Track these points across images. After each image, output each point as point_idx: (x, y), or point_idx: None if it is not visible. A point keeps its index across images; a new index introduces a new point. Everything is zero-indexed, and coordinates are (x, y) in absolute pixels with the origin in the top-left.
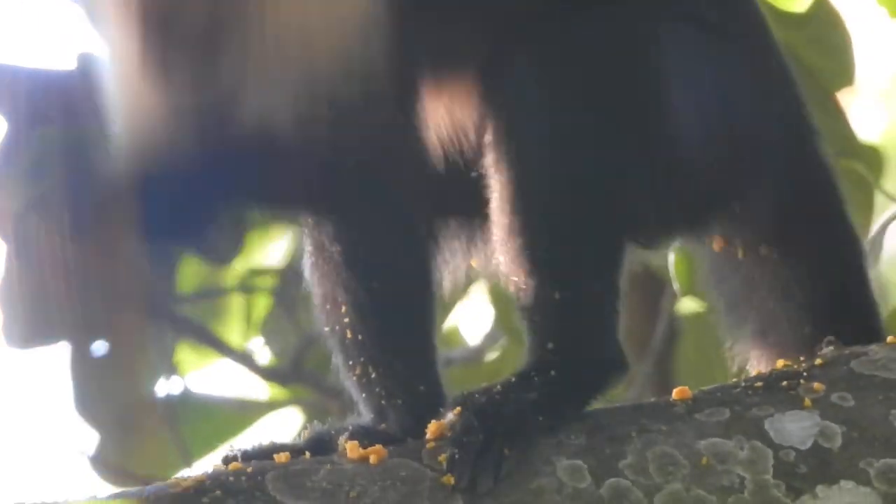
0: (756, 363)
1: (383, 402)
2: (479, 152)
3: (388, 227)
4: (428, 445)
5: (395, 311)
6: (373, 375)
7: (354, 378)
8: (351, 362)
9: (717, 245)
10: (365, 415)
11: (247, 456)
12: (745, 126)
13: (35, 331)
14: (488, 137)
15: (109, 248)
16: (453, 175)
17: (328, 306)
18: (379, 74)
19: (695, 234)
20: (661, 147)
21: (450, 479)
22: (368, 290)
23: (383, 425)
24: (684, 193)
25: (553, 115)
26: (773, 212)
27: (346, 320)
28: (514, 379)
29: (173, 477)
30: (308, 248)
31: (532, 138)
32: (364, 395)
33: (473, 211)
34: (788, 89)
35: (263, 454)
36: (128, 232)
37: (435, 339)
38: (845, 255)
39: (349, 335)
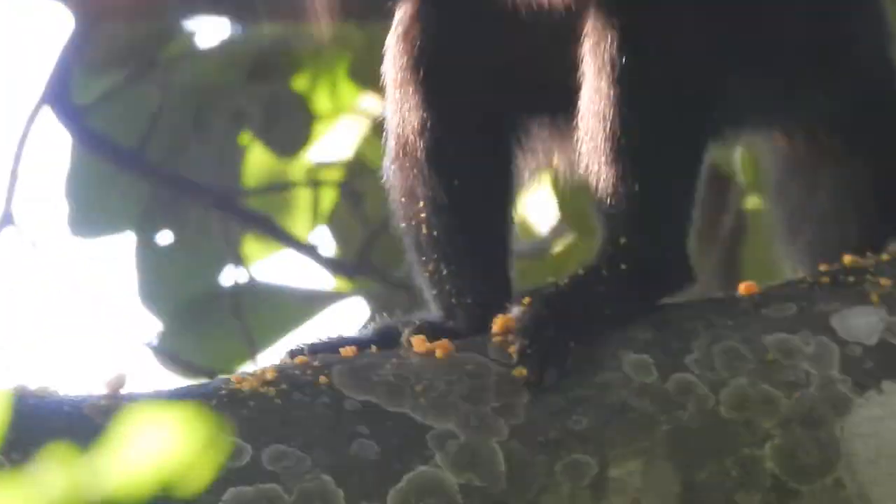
0: (814, 261)
1: (453, 300)
2: (568, 40)
3: (476, 125)
4: (494, 339)
5: (475, 210)
6: (444, 273)
7: (427, 274)
8: (424, 258)
9: (781, 139)
10: (433, 311)
11: (314, 349)
12: (833, 14)
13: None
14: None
15: None
16: (539, 66)
17: (405, 201)
18: None
19: (773, 123)
20: (746, 25)
21: (521, 371)
22: (449, 187)
23: (451, 322)
24: (770, 70)
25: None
26: (846, 108)
27: (423, 216)
28: (582, 272)
29: (238, 370)
30: (390, 141)
31: (622, 30)
32: (435, 291)
33: (558, 104)
34: None
35: (330, 347)
36: None
37: (510, 242)
38: None
39: (425, 231)
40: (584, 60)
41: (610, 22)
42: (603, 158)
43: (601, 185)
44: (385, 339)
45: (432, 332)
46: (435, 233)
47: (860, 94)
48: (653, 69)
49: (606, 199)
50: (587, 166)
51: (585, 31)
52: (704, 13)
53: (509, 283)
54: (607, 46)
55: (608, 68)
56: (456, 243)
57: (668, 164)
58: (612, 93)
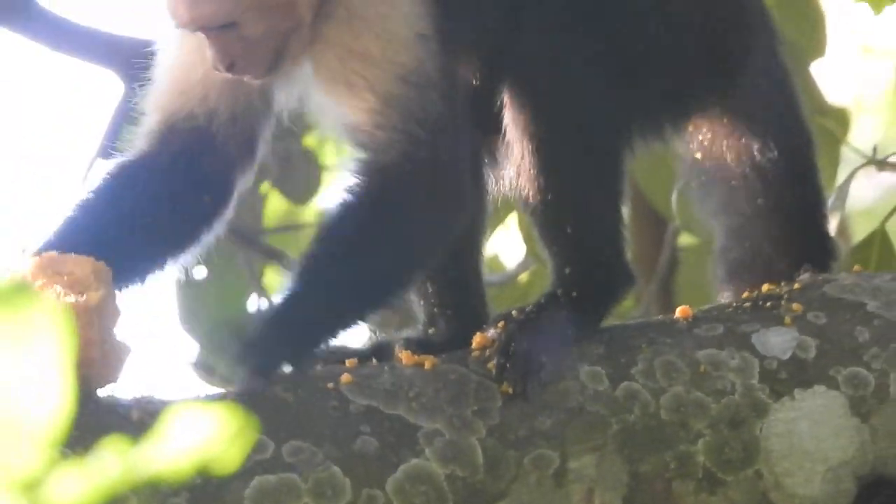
0: (733, 283)
1: (436, 310)
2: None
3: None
4: (473, 354)
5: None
6: (430, 289)
7: (416, 290)
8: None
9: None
10: (420, 322)
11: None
12: (727, 29)
13: None
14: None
15: None
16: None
17: None
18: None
19: (680, 127)
20: (649, 46)
21: (507, 389)
22: None
23: (432, 330)
24: (672, 83)
25: (552, 50)
26: (753, 142)
27: None
28: (543, 300)
29: None
30: None
31: (536, 73)
32: (421, 302)
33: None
34: (774, 51)
35: (336, 357)
36: None
37: (482, 262)
38: (809, 194)
39: None
40: (509, 128)
41: (522, 95)
42: (540, 208)
43: (541, 228)
44: (380, 352)
45: (417, 346)
46: None
47: (761, 123)
48: (569, 133)
49: (547, 239)
50: (530, 212)
51: (504, 100)
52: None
53: (483, 296)
54: (524, 117)
55: (528, 137)
56: (440, 266)
57: (595, 211)
58: (536, 156)
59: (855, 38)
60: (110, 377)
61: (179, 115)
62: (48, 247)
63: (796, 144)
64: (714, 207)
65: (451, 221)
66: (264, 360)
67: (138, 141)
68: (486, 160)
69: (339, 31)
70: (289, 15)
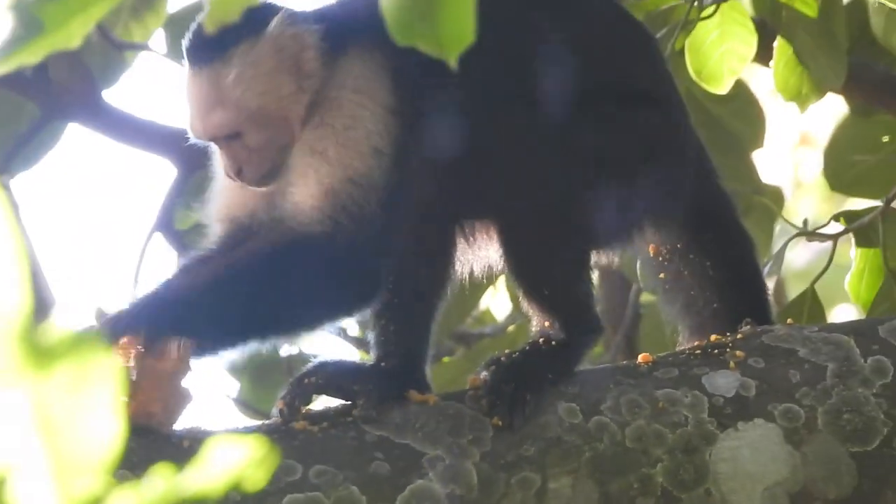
0: (690, 336)
1: (391, 347)
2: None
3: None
4: (469, 393)
5: (423, 291)
6: (389, 329)
7: (378, 327)
8: (379, 318)
9: (651, 250)
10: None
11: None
12: (670, 166)
13: None
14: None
15: None
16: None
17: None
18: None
19: (634, 241)
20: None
21: (497, 422)
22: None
23: (383, 364)
24: (625, 212)
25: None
26: (689, 225)
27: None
28: (528, 347)
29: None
30: None
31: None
32: (381, 339)
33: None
34: (695, 139)
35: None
36: None
37: (437, 318)
38: (745, 257)
39: (385, 301)
40: (485, 212)
41: (488, 183)
42: (520, 277)
43: (523, 291)
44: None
45: (420, 388)
46: (395, 300)
47: (697, 215)
48: (535, 218)
49: (528, 299)
50: (513, 279)
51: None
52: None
53: (428, 343)
54: (494, 204)
55: (500, 222)
56: (404, 311)
57: (562, 275)
58: (509, 238)
59: (794, 128)
60: (170, 422)
61: (230, 219)
62: (134, 314)
63: (740, 252)
64: (677, 311)
65: (345, 296)
66: None
67: (206, 243)
68: (467, 238)
69: (310, 134)
70: (283, 127)
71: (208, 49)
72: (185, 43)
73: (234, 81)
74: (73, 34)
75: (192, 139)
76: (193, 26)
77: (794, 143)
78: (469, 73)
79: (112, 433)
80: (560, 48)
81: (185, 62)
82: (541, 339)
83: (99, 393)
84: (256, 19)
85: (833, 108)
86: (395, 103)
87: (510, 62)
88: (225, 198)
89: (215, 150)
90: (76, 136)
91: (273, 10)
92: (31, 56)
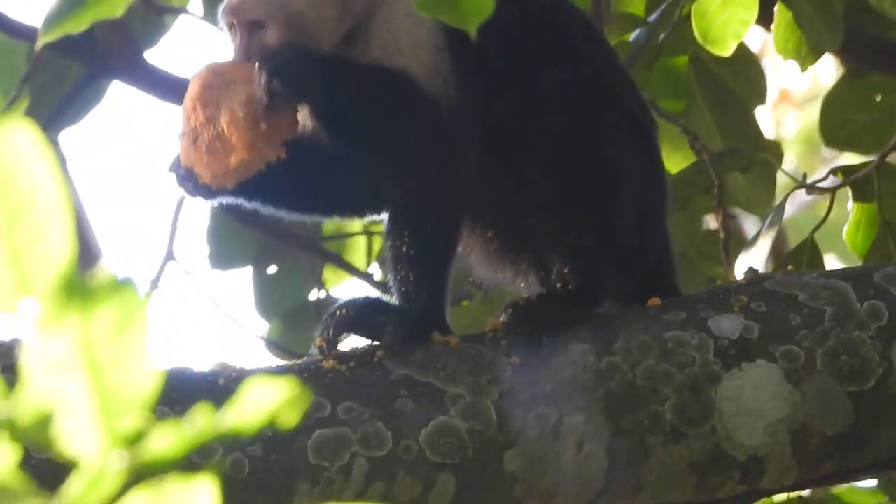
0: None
1: (413, 294)
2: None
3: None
4: (488, 335)
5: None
6: (411, 276)
7: (399, 275)
8: (399, 267)
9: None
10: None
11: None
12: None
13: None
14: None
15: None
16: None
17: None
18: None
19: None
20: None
21: (514, 360)
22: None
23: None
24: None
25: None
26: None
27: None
28: (545, 291)
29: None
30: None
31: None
32: (402, 286)
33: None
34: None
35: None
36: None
37: (451, 271)
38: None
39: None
40: None
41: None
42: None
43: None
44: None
45: (441, 330)
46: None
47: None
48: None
49: (553, 250)
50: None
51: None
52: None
53: (444, 296)
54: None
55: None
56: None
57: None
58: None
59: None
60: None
61: None
62: None
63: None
64: None
65: (440, 154)
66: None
67: None
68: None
69: (375, 33)
70: (309, 40)
71: None
72: None
73: None
74: (116, 4)
75: (220, 23)
76: None
77: (775, 101)
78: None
79: (151, 373)
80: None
81: None
82: (557, 284)
83: (138, 335)
84: None
85: (812, 69)
86: (443, 41)
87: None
88: None
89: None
90: (119, 94)
91: None
92: (77, 25)
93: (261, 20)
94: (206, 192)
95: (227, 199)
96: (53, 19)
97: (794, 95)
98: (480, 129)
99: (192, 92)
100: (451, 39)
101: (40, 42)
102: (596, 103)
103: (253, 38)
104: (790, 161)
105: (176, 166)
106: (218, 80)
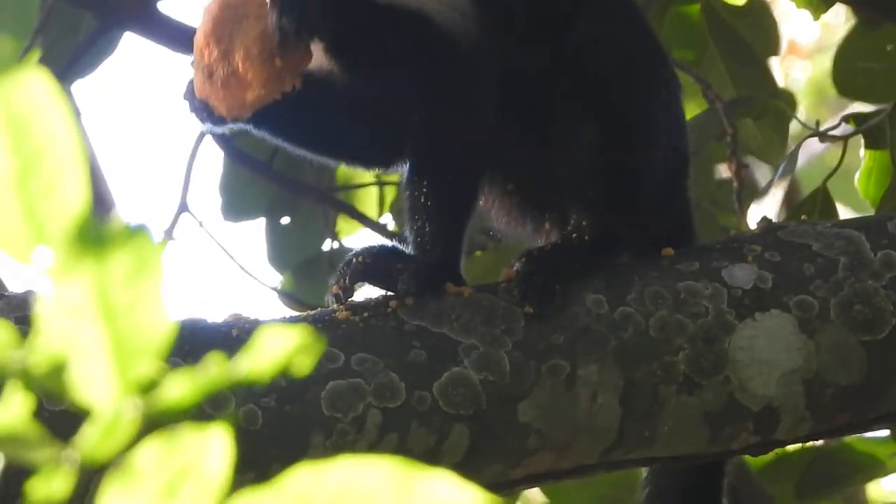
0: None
1: (428, 244)
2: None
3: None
4: (501, 285)
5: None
6: (427, 227)
7: (415, 225)
8: (416, 216)
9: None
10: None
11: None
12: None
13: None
14: None
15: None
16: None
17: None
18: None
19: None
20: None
21: (528, 309)
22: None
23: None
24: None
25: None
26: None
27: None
28: (560, 241)
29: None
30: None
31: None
32: (418, 236)
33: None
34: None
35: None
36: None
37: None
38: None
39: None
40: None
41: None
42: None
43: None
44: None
45: (455, 281)
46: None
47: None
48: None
49: (575, 201)
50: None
51: None
52: None
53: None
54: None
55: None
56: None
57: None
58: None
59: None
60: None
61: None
62: None
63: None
64: None
65: (456, 87)
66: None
67: None
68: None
69: None
70: None
71: None
72: None
73: None
74: None
75: None
76: None
77: (783, 53)
78: None
79: (165, 321)
80: None
81: None
82: (573, 234)
83: (152, 284)
84: None
85: (821, 20)
86: None
87: None
88: None
89: None
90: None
91: None
92: None
93: None
94: (221, 121)
95: (239, 127)
96: None
97: (802, 47)
98: (501, 72)
99: (204, 26)
100: None
101: None
102: (637, 58)
103: None
104: (800, 113)
105: (189, 95)
106: (230, 14)
